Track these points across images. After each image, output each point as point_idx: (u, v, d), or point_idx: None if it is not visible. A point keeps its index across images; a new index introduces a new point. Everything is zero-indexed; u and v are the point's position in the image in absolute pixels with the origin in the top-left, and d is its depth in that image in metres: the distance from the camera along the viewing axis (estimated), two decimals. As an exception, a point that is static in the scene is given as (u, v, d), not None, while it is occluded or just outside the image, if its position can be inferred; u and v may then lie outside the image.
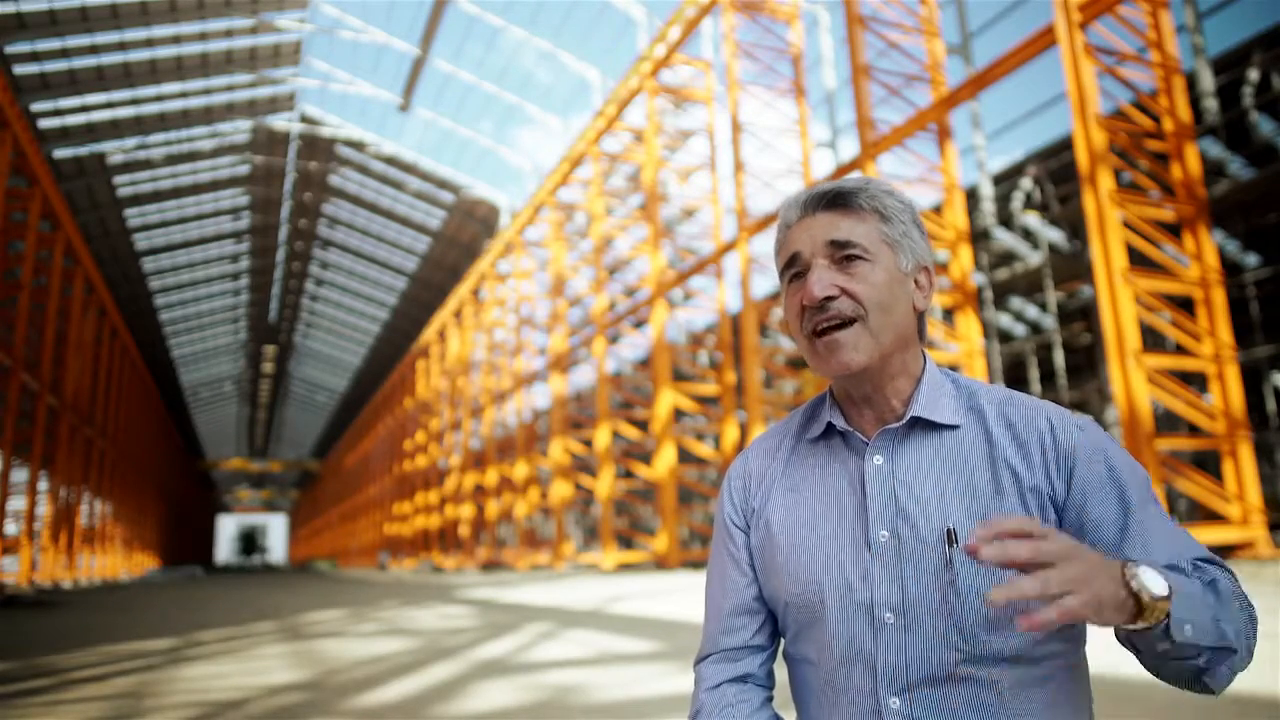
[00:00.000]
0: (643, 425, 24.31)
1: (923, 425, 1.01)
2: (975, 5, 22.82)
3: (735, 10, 17.49)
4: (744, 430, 19.67)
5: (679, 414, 23.14)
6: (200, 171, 35.26)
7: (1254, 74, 13.10)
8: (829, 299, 0.97)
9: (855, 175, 1.05)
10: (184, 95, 29.51)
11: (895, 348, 0.99)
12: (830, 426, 1.06)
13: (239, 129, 33.54)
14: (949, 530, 0.94)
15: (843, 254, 0.98)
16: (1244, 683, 3.30)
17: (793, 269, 1.01)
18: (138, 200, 34.53)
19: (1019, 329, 20.07)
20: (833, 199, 1.01)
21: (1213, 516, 10.43)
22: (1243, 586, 0.91)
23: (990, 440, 0.98)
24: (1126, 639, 0.85)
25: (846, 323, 0.97)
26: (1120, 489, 0.94)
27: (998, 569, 0.92)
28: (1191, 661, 0.82)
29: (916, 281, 1.03)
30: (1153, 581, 0.78)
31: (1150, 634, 0.80)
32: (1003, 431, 0.99)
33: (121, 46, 25.44)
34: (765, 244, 17.88)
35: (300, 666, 5.29)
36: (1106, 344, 9.52)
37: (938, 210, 14.20)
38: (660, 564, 19.02)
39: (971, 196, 16.72)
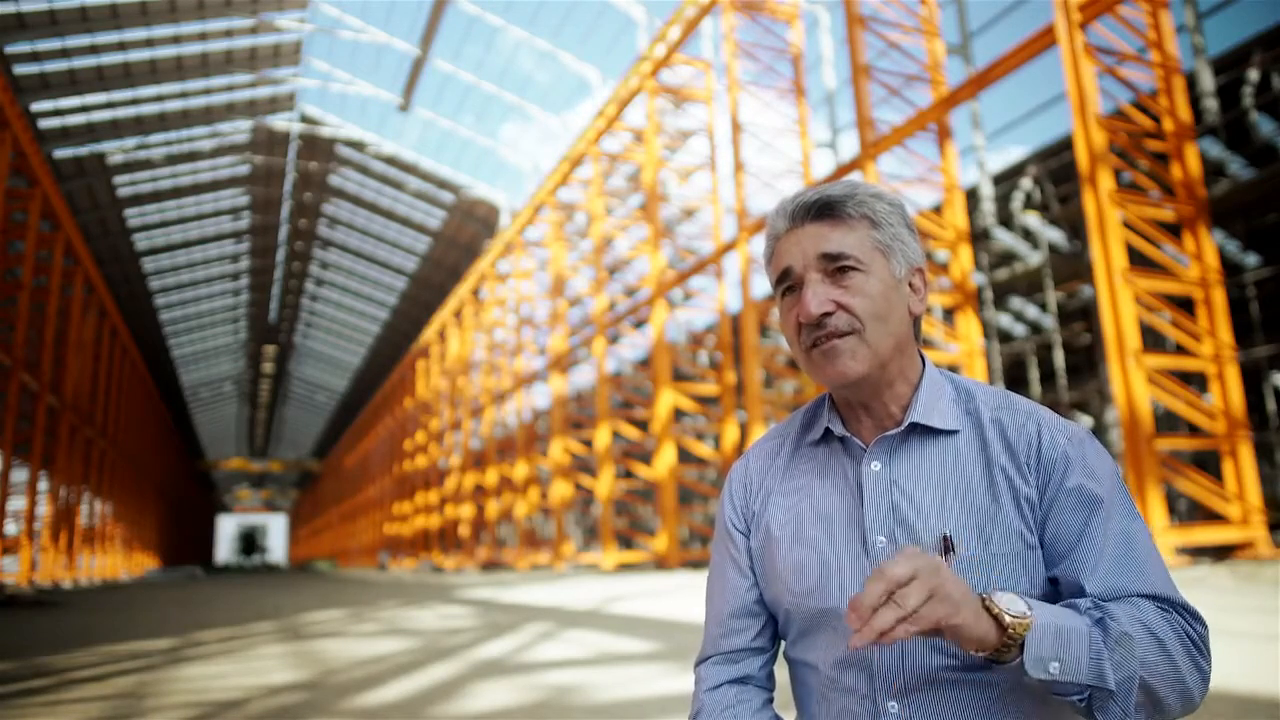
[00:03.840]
0: (643, 425, 24.31)
1: (921, 431, 1.01)
2: (975, 5, 22.84)
3: (735, 10, 17.48)
4: (744, 430, 19.66)
5: (679, 414, 23.13)
6: (200, 171, 35.25)
7: (1254, 74, 13.09)
8: (826, 315, 0.96)
9: (843, 180, 1.04)
10: (184, 95, 29.50)
11: (893, 355, 0.99)
12: (829, 431, 1.06)
13: (239, 129, 33.53)
14: (945, 536, 0.94)
15: (835, 266, 0.97)
16: (1244, 683, 3.30)
17: (786, 283, 1.01)
18: (138, 200, 34.52)
19: (1019, 329, 20.07)
20: (820, 209, 0.99)
21: (1213, 516, 10.43)
22: (1197, 633, 0.87)
23: (986, 446, 0.98)
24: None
25: (846, 334, 0.97)
26: (1089, 507, 0.92)
27: (990, 575, 0.93)
28: (1069, 698, 0.83)
29: (911, 284, 1.03)
30: (1010, 602, 0.81)
31: (1008, 665, 0.82)
32: (997, 438, 0.98)
33: (121, 46, 25.43)
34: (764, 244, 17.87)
35: (300, 666, 5.29)
36: (1106, 344, 9.52)
37: (938, 210, 14.19)
38: (660, 564, 19.01)
39: (971, 196, 16.71)
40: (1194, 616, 0.89)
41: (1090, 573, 0.90)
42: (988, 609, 0.81)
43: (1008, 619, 0.80)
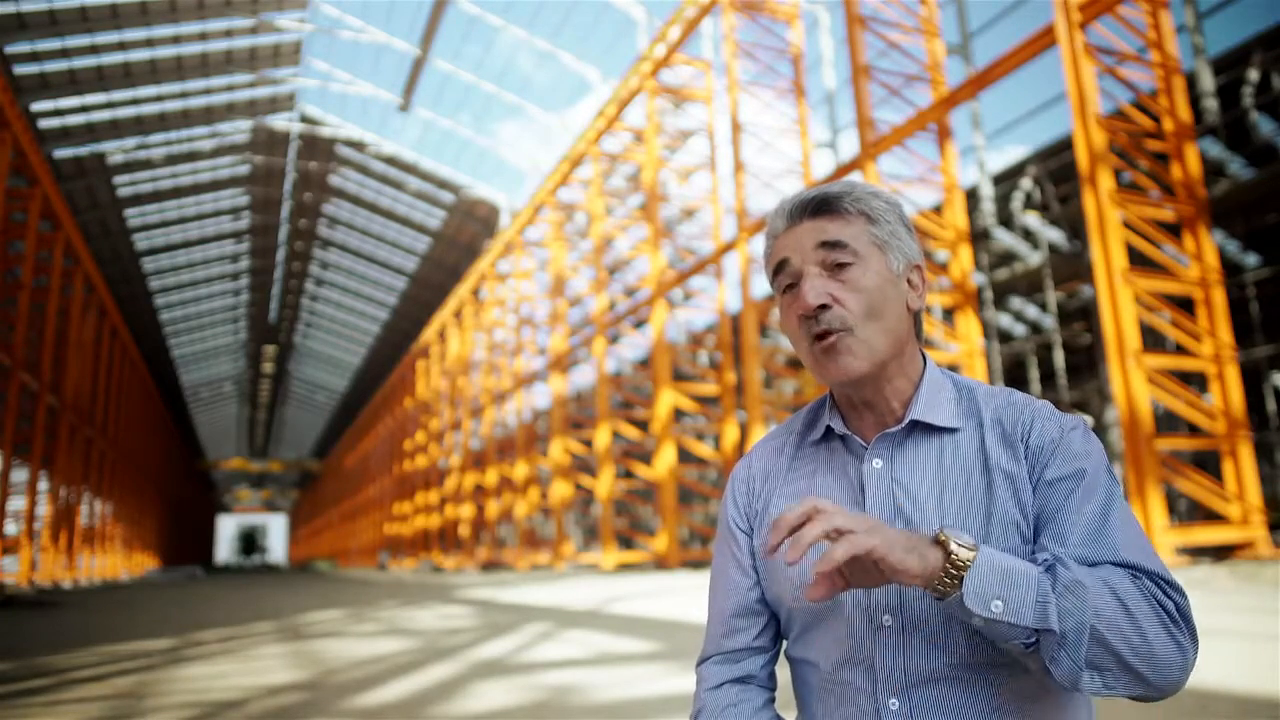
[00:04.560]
0: (643, 425, 24.30)
1: (921, 428, 1.01)
2: (975, 5, 22.82)
3: (735, 10, 17.48)
4: (744, 430, 19.66)
5: (679, 414, 23.13)
6: (200, 171, 35.26)
7: (1254, 74, 13.09)
8: (823, 307, 0.97)
9: (840, 180, 1.05)
10: (184, 95, 29.50)
11: (892, 351, 0.99)
12: (830, 429, 1.06)
13: (239, 129, 33.54)
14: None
15: (833, 259, 0.98)
16: (1244, 683, 3.30)
17: (785, 279, 1.01)
18: (138, 200, 34.52)
19: (1019, 329, 20.07)
20: (819, 205, 1.00)
21: (1213, 516, 10.43)
22: (1173, 602, 0.84)
23: (985, 444, 0.98)
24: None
25: (843, 330, 0.97)
26: (1073, 486, 0.92)
27: None
28: (1015, 643, 0.83)
29: (909, 281, 1.03)
30: (959, 536, 0.83)
31: (949, 599, 0.83)
32: (996, 435, 0.99)
33: (121, 46, 25.43)
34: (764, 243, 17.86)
35: (299, 666, 5.29)
36: (1106, 344, 9.52)
37: (938, 210, 14.19)
38: (660, 564, 19.02)
39: (971, 196, 16.71)
40: (1170, 585, 0.86)
41: (1060, 542, 0.89)
42: (938, 540, 0.83)
43: (953, 545, 0.82)
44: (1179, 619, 0.84)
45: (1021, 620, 0.80)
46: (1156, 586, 0.85)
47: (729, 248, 17.91)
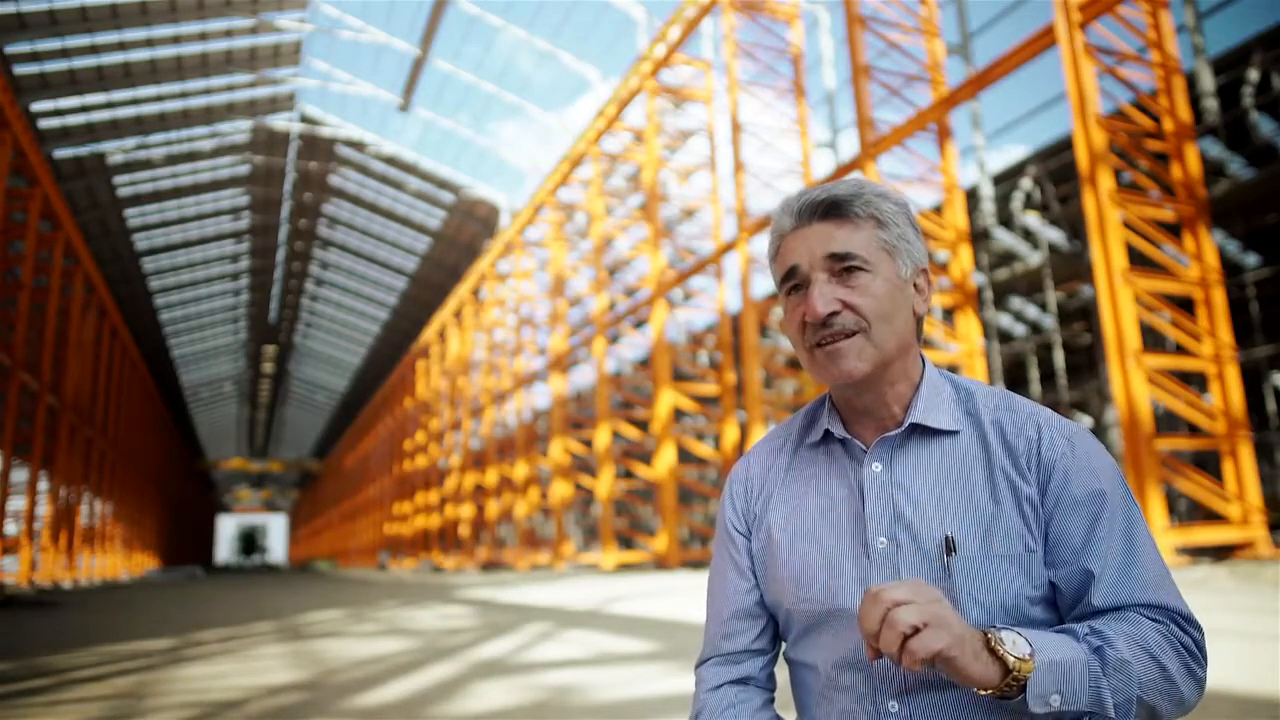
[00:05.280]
0: (643, 425, 24.30)
1: (921, 431, 1.01)
2: (975, 5, 22.82)
3: (735, 10, 17.48)
4: (744, 430, 19.66)
5: (679, 414, 23.13)
6: (200, 171, 35.26)
7: (1254, 74, 13.09)
8: (832, 315, 0.96)
9: (849, 179, 1.04)
10: (184, 95, 29.50)
11: (897, 355, 0.99)
12: (829, 432, 1.06)
13: (239, 129, 33.54)
14: (947, 537, 0.94)
15: (842, 266, 0.97)
16: (1244, 683, 3.30)
17: (791, 281, 1.00)
18: (138, 200, 34.52)
19: (1019, 329, 20.07)
20: (828, 208, 0.99)
21: (1213, 516, 10.43)
22: (1193, 640, 0.90)
23: (987, 447, 0.98)
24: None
25: (852, 334, 0.97)
26: (1095, 509, 0.93)
27: (991, 576, 0.93)
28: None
29: (916, 285, 1.02)
30: (1014, 643, 0.82)
31: (1010, 701, 0.83)
32: (997, 438, 0.99)
33: (121, 46, 25.43)
34: (765, 244, 17.85)
35: (299, 666, 5.29)
36: (1106, 344, 9.52)
37: (938, 210, 14.19)
38: (660, 564, 19.01)
39: (971, 196, 16.71)
40: (1189, 622, 0.90)
41: (1096, 584, 0.91)
42: (992, 650, 0.81)
43: (1012, 660, 0.80)
44: (1196, 653, 0.89)
45: (1077, 706, 0.83)
46: (1179, 627, 0.90)
47: (729, 248, 17.91)
